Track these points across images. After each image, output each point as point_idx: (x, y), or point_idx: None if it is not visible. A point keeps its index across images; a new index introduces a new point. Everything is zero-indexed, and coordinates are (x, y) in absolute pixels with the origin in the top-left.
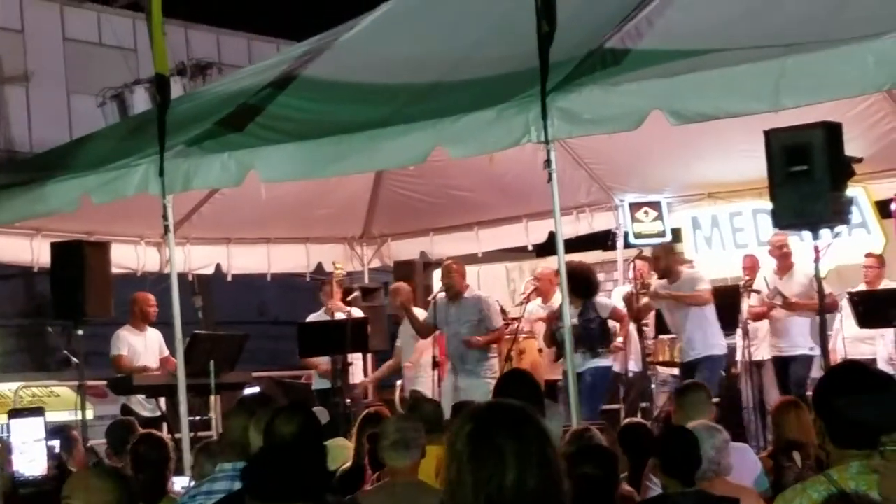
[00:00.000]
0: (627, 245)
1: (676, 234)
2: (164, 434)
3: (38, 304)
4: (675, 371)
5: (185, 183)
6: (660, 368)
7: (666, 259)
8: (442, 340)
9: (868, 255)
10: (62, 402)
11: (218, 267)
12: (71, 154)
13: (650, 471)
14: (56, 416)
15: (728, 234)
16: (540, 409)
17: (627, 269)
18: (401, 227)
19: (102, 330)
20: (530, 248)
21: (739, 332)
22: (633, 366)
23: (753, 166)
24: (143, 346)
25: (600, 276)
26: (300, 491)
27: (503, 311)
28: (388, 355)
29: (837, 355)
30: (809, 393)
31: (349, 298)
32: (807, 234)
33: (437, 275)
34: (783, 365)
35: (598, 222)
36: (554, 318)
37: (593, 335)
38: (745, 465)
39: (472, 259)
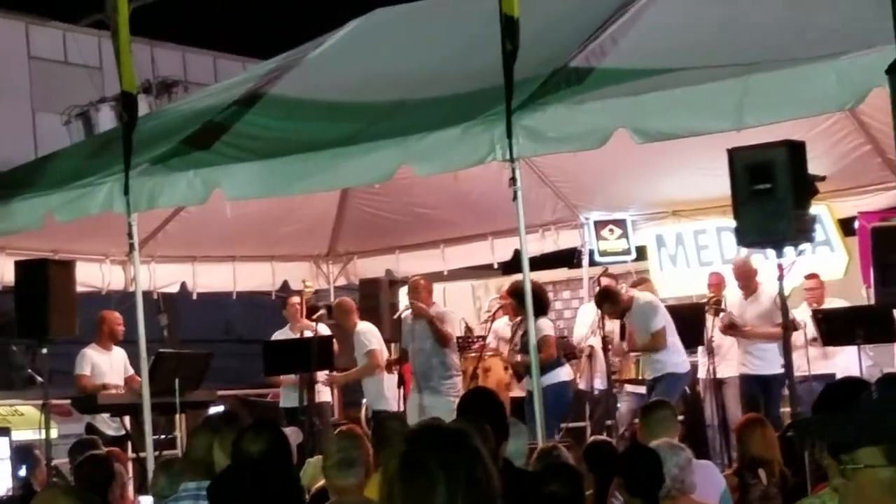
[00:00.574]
0: (593, 263)
1: (641, 251)
2: (129, 453)
3: (1, 323)
4: (641, 389)
5: (150, 201)
6: (625, 386)
7: (619, 308)
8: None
9: (810, 277)
10: (26, 420)
11: (183, 285)
12: (36, 172)
13: (615, 489)
14: (20, 434)
15: (693, 252)
16: (503, 427)
17: (593, 286)
18: (367, 244)
19: (67, 348)
20: (496, 265)
21: (701, 349)
22: (599, 383)
23: (717, 184)
24: (108, 365)
25: (566, 294)
26: None
27: (469, 329)
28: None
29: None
30: (784, 410)
31: (315, 316)
32: (771, 252)
33: (403, 292)
34: (754, 383)
35: (563, 240)
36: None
37: None
38: (709, 482)
39: (438, 277)
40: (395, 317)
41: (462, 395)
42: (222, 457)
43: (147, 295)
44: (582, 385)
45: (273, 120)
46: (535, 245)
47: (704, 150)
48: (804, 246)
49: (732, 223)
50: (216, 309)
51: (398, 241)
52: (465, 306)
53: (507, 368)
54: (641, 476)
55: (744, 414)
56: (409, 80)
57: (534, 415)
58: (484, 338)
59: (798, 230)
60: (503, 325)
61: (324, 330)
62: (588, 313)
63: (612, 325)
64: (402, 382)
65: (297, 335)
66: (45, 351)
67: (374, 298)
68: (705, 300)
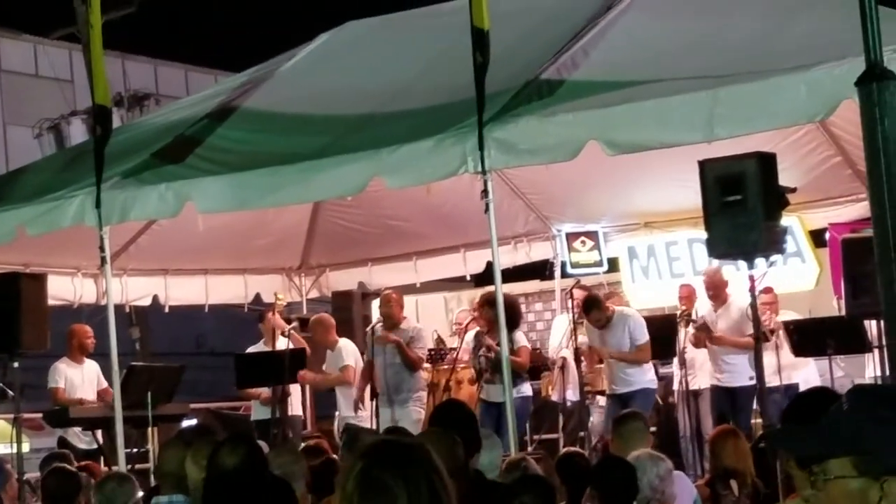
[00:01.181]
0: (565, 275)
1: (613, 263)
2: (102, 467)
3: None
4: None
5: (121, 214)
6: (598, 397)
7: (603, 316)
8: None
9: (767, 291)
10: None
11: (155, 298)
12: (7, 185)
13: (587, 500)
14: None
15: (664, 264)
16: (475, 439)
17: (565, 298)
18: (339, 257)
19: (39, 362)
20: (468, 277)
21: (676, 361)
22: (571, 395)
23: (689, 196)
24: (80, 379)
25: (538, 306)
26: None
27: (441, 341)
28: None
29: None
30: (754, 422)
31: (287, 329)
32: (742, 263)
33: (375, 305)
34: (724, 395)
35: (535, 252)
36: (480, 346)
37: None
38: (682, 493)
39: (411, 289)
40: (369, 329)
41: (434, 407)
42: (195, 470)
43: (119, 308)
44: (554, 397)
45: (245, 133)
46: (508, 257)
47: (676, 161)
48: (775, 257)
49: (704, 235)
50: (188, 322)
51: (371, 253)
52: (437, 318)
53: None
54: (615, 487)
55: (715, 425)
56: (380, 92)
57: (489, 425)
58: (456, 350)
59: (769, 242)
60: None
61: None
62: (561, 325)
63: (584, 338)
64: (374, 395)
65: (271, 348)
66: (16, 365)
67: (346, 311)
68: (677, 312)
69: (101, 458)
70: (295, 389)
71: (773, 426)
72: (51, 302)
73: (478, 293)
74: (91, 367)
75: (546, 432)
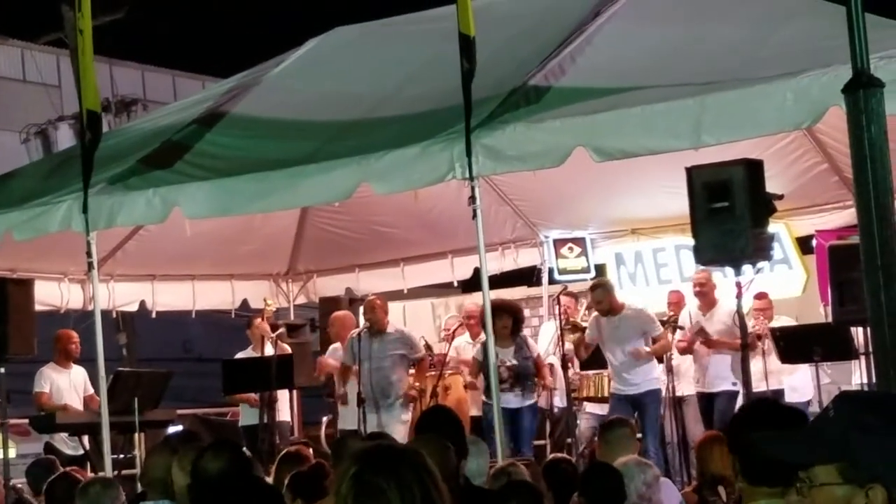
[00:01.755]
0: (552, 281)
1: (601, 270)
2: (88, 472)
3: None
4: (599, 409)
5: (109, 219)
6: (585, 403)
7: (608, 299)
8: None
9: (760, 297)
10: None
11: (142, 304)
12: None
13: None
14: None
15: (652, 270)
16: (462, 446)
17: (553, 305)
18: (326, 263)
19: (25, 368)
20: (456, 283)
21: (663, 367)
22: (558, 401)
23: (676, 203)
24: (67, 384)
25: (525, 313)
26: None
27: (429, 347)
28: (314, 391)
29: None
30: None
31: (275, 335)
32: (729, 270)
33: (361, 311)
34: (707, 401)
35: (523, 258)
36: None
37: (530, 373)
38: (668, 500)
39: (398, 295)
40: (354, 334)
41: (421, 414)
42: (181, 476)
43: (106, 314)
44: (542, 403)
45: (232, 139)
46: (495, 263)
47: (663, 168)
48: (762, 264)
49: (691, 241)
50: (175, 328)
51: (358, 259)
52: (425, 324)
53: (467, 387)
54: (602, 494)
55: (704, 431)
56: (368, 98)
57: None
58: (443, 356)
59: (756, 248)
60: (463, 343)
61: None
62: (548, 332)
63: (571, 346)
64: (360, 401)
65: (260, 353)
66: (2, 370)
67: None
68: (665, 318)
69: (88, 464)
70: (283, 395)
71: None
72: (38, 307)
73: (465, 299)
74: (78, 372)
75: (534, 439)
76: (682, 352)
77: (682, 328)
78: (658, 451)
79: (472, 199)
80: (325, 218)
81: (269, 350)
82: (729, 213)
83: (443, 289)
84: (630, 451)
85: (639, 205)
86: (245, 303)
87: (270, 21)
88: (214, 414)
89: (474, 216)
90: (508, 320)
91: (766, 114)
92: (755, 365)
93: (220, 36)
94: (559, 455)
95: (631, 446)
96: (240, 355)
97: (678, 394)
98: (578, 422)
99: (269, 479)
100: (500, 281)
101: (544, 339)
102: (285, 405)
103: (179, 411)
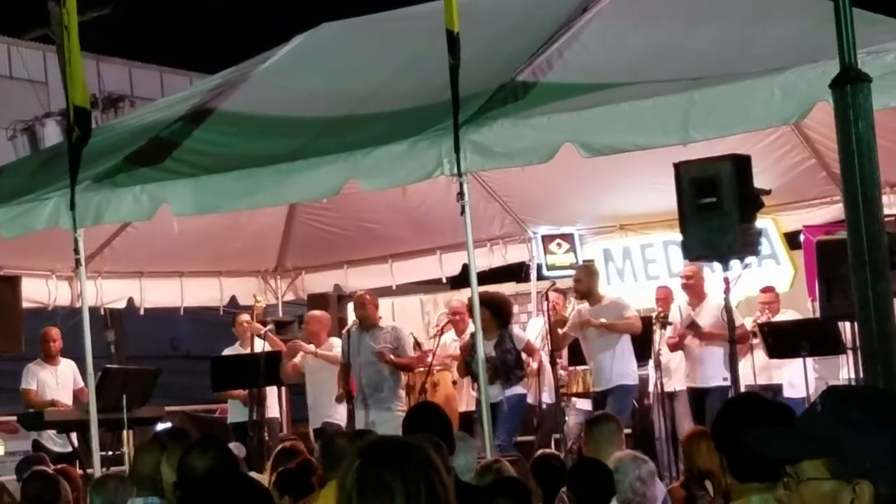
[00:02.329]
0: (541, 277)
1: None
2: (77, 470)
3: None
4: (587, 403)
5: (96, 216)
6: (573, 399)
7: (588, 281)
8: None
9: (766, 291)
10: None
11: (130, 301)
12: None
13: (559, 502)
14: None
15: (640, 266)
16: (449, 442)
17: (541, 300)
18: (314, 259)
19: (13, 365)
20: (444, 280)
21: (652, 363)
22: (547, 397)
23: (664, 198)
24: (53, 380)
25: (514, 309)
26: None
27: (417, 344)
28: (303, 388)
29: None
30: None
31: (263, 332)
32: (717, 265)
33: (351, 308)
34: (698, 396)
35: (511, 254)
36: (469, 349)
37: (510, 366)
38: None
39: (387, 291)
40: (345, 331)
41: (408, 410)
42: (170, 473)
43: (94, 311)
44: (530, 399)
45: (219, 135)
46: (484, 259)
47: (651, 164)
48: (750, 259)
49: (679, 237)
50: (163, 325)
51: (346, 256)
52: (413, 321)
53: (456, 383)
54: (591, 489)
55: (693, 426)
56: (355, 94)
57: (497, 424)
58: (432, 352)
59: (744, 244)
60: (450, 339)
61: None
62: (536, 327)
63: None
64: (349, 398)
65: (248, 350)
66: None
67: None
68: (653, 314)
69: (76, 462)
70: (271, 392)
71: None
72: (25, 305)
73: (454, 296)
74: (67, 367)
75: (521, 434)
76: (673, 348)
77: (670, 324)
78: None
79: (461, 195)
80: (314, 214)
81: (260, 345)
82: (717, 209)
83: (431, 285)
84: (616, 447)
85: (627, 201)
86: (233, 299)
87: (258, 17)
88: (203, 411)
89: (462, 212)
90: (486, 313)
91: (753, 109)
92: (755, 359)
93: (207, 32)
94: (548, 451)
95: (616, 442)
96: (227, 352)
97: (668, 389)
98: (567, 417)
99: (266, 475)
100: (488, 277)
101: (532, 334)
102: (274, 402)
103: (168, 408)
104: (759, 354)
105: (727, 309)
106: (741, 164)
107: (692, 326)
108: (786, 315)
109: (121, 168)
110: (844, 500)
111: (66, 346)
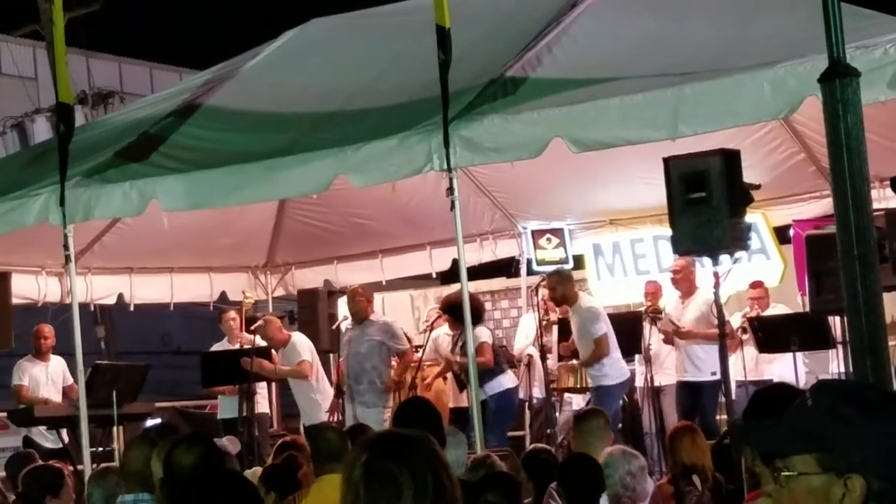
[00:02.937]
0: (531, 272)
1: (579, 261)
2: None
3: None
4: (578, 398)
5: (86, 212)
6: (565, 395)
7: (562, 288)
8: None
9: (755, 286)
10: None
11: (120, 297)
12: None
13: (548, 497)
14: None
15: (630, 261)
16: (440, 437)
17: (531, 296)
18: (304, 255)
19: (2, 361)
20: (434, 275)
21: (640, 357)
22: (538, 392)
23: (653, 193)
24: (44, 376)
25: (504, 304)
26: None
27: (408, 339)
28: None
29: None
30: (720, 418)
31: (253, 327)
32: (706, 260)
33: (342, 302)
34: (690, 390)
35: (501, 250)
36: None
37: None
38: None
39: (377, 287)
40: (334, 327)
41: (398, 406)
42: (160, 469)
43: (84, 307)
44: (521, 394)
45: (209, 131)
46: (474, 255)
47: (640, 159)
48: (740, 254)
49: (669, 232)
50: (153, 320)
51: (336, 251)
52: (403, 316)
53: (447, 378)
54: (582, 484)
55: (679, 421)
56: (345, 90)
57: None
58: (423, 347)
59: (733, 238)
60: (442, 334)
61: (260, 342)
62: (528, 323)
63: (550, 336)
64: (339, 394)
65: (237, 346)
66: None
67: (312, 309)
68: (642, 308)
69: (67, 457)
70: (262, 388)
71: (736, 422)
72: (15, 301)
73: (444, 291)
74: (57, 363)
75: (513, 430)
76: (666, 342)
77: (660, 318)
78: None
79: (451, 190)
80: (303, 210)
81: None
82: (706, 204)
83: (421, 280)
84: (604, 443)
85: (617, 196)
86: (223, 295)
87: (247, 13)
88: (193, 406)
89: (452, 207)
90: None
91: (743, 104)
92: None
93: (196, 28)
94: (539, 445)
95: (605, 437)
96: (216, 347)
97: (656, 384)
98: (558, 413)
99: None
100: (478, 272)
101: (523, 329)
102: (264, 397)
103: (158, 404)
104: (749, 349)
105: (717, 304)
106: (731, 159)
107: (672, 331)
108: (775, 310)
109: (110, 164)
110: (835, 495)
111: (56, 343)
